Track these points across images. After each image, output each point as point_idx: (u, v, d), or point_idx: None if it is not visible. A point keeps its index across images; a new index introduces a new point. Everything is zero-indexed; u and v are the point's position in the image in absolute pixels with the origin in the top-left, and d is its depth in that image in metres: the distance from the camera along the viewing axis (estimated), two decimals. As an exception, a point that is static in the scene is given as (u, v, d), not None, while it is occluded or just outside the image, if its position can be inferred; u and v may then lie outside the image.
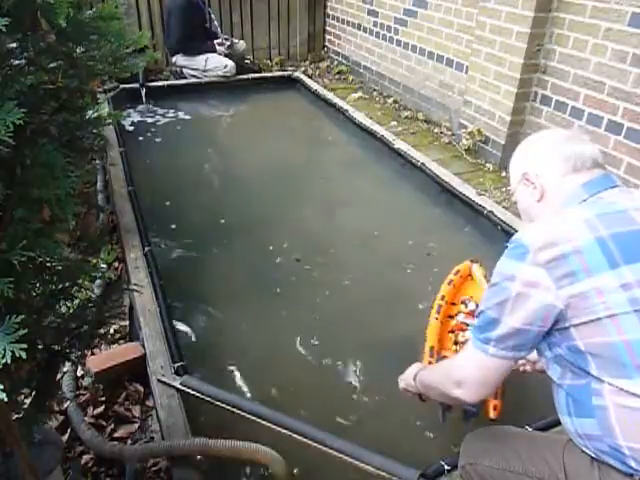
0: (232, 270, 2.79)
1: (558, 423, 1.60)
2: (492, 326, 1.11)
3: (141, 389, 2.01)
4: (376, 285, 2.69)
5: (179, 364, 1.96)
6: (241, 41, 5.70)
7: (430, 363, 1.97)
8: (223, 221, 3.20)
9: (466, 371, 1.17)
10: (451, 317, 2.23)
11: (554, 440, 1.22)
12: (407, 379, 1.55)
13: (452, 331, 2.18)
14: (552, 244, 1.05)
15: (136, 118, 4.75)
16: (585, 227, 1.05)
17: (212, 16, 5.42)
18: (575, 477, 1.10)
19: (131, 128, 4.55)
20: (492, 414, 1.84)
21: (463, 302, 2.32)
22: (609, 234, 1.04)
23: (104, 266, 2.54)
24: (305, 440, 1.67)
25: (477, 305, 2.12)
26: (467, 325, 2.16)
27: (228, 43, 5.37)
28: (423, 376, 1.44)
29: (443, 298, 2.29)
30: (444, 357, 2.01)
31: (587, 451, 1.10)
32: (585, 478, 1.09)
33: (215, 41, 5.31)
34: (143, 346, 2.07)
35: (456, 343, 2.11)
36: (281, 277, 2.72)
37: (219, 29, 5.45)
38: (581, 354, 1.04)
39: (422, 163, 3.73)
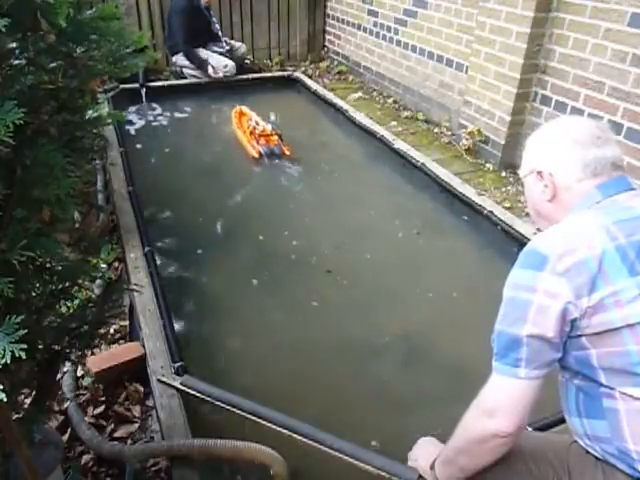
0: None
1: (558, 423, 1.60)
2: (516, 345, 1.04)
3: (141, 389, 2.01)
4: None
5: (179, 364, 1.96)
6: (240, 43, 5.70)
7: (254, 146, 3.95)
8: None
9: (499, 401, 1.07)
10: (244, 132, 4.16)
11: (557, 441, 1.21)
12: (423, 467, 1.35)
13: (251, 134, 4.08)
14: (571, 251, 1.01)
15: (136, 118, 4.75)
16: (604, 234, 1.02)
17: (214, 19, 5.42)
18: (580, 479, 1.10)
19: (131, 128, 4.55)
20: (287, 152, 3.89)
21: (250, 120, 4.22)
22: (628, 242, 1.01)
23: (104, 266, 2.54)
24: (305, 440, 1.67)
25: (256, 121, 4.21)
26: (257, 123, 4.14)
27: (228, 47, 5.38)
28: (444, 457, 1.25)
29: (242, 126, 4.22)
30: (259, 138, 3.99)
31: (593, 452, 1.09)
32: None
33: (214, 48, 5.33)
34: (143, 346, 2.07)
35: (251, 133, 4.07)
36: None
37: (220, 32, 5.45)
38: (590, 366, 1.03)
39: (422, 163, 3.73)
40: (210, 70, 5.12)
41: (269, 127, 4.06)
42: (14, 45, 0.98)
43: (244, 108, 4.44)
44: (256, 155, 3.89)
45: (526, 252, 1.08)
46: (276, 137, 4.05)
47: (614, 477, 1.05)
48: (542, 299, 1.01)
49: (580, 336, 1.02)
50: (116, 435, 1.84)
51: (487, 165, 3.84)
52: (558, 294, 1.00)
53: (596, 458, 1.08)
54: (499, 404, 1.07)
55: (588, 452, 1.11)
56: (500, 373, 1.07)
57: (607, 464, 1.06)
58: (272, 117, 4.23)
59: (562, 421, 1.37)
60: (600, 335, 1.00)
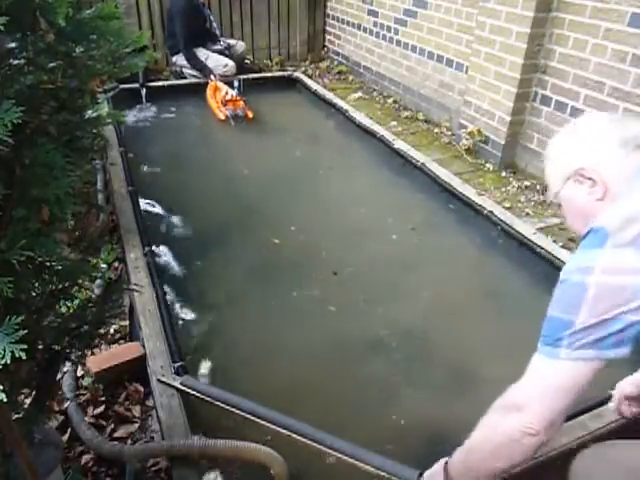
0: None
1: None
2: (564, 328, 0.95)
3: (141, 389, 2.01)
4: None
5: (179, 364, 1.96)
6: (240, 42, 5.69)
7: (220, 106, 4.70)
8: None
9: (529, 388, 0.98)
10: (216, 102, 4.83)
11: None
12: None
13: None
14: (635, 218, 0.91)
15: (136, 118, 4.75)
16: None
17: (212, 17, 5.42)
18: None
19: (131, 128, 4.54)
20: (250, 115, 4.68)
21: (221, 92, 4.85)
22: None
23: (104, 266, 2.54)
24: (305, 440, 1.67)
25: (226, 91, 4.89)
26: (227, 92, 4.82)
27: (225, 45, 5.38)
28: (457, 458, 1.14)
29: (215, 98, 4.85)
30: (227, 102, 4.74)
31: None
32: None
33: (213, 47, 5.33)
34: (143, 346, 2.07)
35: (222, 101, 4.78)
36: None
37: (218, 31, 5.45)
38: None
39: (422, 163, 3.73)
40: (212, 78, 5.10)
41: (235, 93, 4.89)
42: (13, 45, 0.98)
43: (219, 84, 5.03)
44: (222, 117, 4.69)
45: (584, 235, 0.99)
46: (242, 102, 4.82)
47: None
48: (601, 278, 0.91)
49: None
50: (116, 435, 1.84)
51: (487, 165, 3.84)
52: (625, 267, 0.90)
53: None
54: (528, 395, 0.97)
55: None
56: (538, 356, 0.99)
57: None
58: (235, 84, 5.25)
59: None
60: None
